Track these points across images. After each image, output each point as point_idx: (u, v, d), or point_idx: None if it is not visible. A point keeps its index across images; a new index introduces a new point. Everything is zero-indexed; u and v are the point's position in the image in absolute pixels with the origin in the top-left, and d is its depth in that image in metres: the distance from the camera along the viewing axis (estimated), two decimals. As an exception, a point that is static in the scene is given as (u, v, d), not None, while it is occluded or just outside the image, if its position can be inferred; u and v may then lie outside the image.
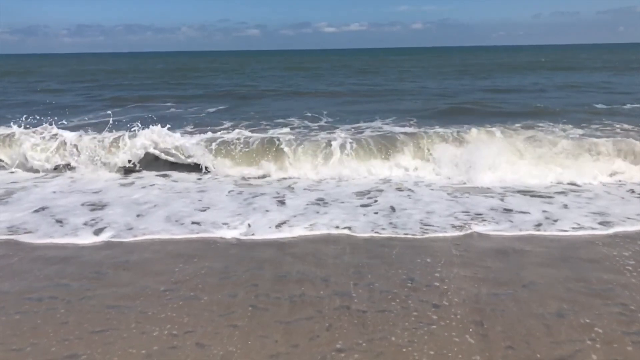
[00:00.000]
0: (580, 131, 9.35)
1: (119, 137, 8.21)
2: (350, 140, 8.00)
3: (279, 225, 5.20)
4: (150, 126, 8.18)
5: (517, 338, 3.03)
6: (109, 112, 10.26)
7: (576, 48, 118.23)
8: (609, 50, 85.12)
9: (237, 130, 9.23)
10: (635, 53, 58.89)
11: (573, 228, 5.06)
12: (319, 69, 39.50)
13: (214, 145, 7.96)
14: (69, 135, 8.37)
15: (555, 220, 5.27)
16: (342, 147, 7.78)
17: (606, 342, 2.96)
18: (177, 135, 8.19)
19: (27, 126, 8.97)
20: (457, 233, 4.95)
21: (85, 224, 5.31)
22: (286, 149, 7.74)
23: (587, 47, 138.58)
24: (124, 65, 53.23)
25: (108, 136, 8.28)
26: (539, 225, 5.15)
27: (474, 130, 8.16)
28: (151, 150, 7.89)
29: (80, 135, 8.41)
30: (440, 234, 4.93)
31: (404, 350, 2.93)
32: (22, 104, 16.33)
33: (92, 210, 5.81)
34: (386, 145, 7.89)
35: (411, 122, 10.92)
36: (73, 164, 7.85)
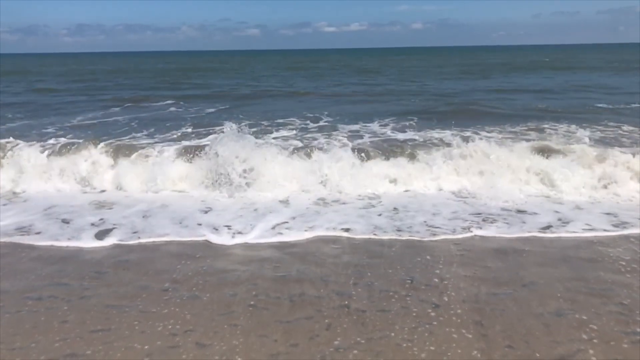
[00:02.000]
0: (587, 133, 9.33)
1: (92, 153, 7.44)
2: (355, 151, 7.17)
3: (280, 226, 5.20)
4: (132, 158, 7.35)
5: (517, 337, 3.03)
6: (108, 111, 10.17)
7: (577, 48, 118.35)
8: (611, 50, 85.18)
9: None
10: (636, 53, 58.90)
11: (583, 229, 5.02)
12: (319, 68, 39.51)
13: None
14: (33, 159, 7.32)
15: (567, 222, 5.22)
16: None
17: (605, 341, 2.97)
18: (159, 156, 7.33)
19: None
20: (459, 234, 4.93)
21: (93, 224, 5.32)
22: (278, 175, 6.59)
23: (587, 47, 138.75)
24: (124, 65, 53.25)
25: (82, 165, 7.20)
26: (548, 227, 5.08)
27: (484, 144, 7.20)
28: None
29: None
30: (446, 236, 4.88)
31: (404, 349, 2.93)
32: (22, 103, 16.34)
33: (99, 209, 5.87)
34: (388, 164, 7.03)
35: (411, 123, 10.93)
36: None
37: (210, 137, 8.69)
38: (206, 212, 5.74)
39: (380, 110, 13.34)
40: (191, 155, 7.18)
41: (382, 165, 7.00)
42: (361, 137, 9.38)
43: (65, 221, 5.45)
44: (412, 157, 7.17)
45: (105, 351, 2.94)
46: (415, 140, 8.31)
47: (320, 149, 7.55)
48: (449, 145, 7.46)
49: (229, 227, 5.20)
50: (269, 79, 28.09)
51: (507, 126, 10.27)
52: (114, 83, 26.16)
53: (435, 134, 9.23)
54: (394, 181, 6.70)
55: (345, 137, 9.17)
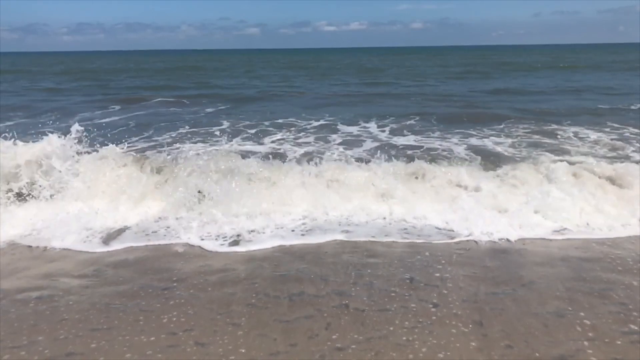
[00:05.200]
0: (594, 135, 9.34)
1: None
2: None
3: (280, 227, 5.18)
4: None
5: (516, 337, 3.04)
6: (106, 111, 10.11)
7: (577, 47, 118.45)
8: (611, 50, 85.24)
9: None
10: (636, 53, 58.90)
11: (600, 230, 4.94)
12: (319, 68, 39.56)
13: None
14: None
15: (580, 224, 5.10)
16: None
17: (604, 341, 2.97)
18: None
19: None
20: (460, 236, 4.88)
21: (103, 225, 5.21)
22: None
23: (587, 46, 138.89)
24: (123, 64, 53.24)
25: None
26: (562, 229, 4.99)
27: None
28: None
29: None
30: (447, 237, 4.84)
31: (403, 348, 2.94)
32: (21, 102, 16.33)
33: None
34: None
35: (412, 124, 10.94)
36: None
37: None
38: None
39: (381, 111, 13.35)
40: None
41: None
42: (363, 141, 9.35)
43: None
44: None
45: (105, 350, 2.94)
46: (417, 147, 8.10)
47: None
48: (464, 160, 6.84)
49: (231, 228, 5.16)
50: (269, 78, 28.10)
51: (510, 129, 10.27)
52: (113, 82, 26.16)
53: (438, 140, 9.20)
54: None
55: (345, 145, 9.05)
